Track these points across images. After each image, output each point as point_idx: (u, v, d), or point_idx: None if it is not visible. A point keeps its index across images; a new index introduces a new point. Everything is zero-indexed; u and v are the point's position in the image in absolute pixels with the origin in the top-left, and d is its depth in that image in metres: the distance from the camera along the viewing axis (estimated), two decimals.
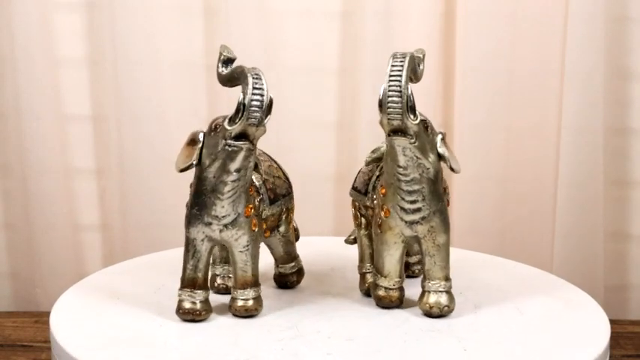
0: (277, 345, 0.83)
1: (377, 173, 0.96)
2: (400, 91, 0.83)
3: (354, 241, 1.03)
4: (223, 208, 0.86)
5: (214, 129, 0.85)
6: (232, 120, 0.83)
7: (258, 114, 0.82)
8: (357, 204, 0.99)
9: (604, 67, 1.56)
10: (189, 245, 0.89)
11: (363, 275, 0.99)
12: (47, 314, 0.93)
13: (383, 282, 0.93)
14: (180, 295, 0.90)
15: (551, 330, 0.89)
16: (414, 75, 0.88)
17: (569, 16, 1.54)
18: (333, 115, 1.65)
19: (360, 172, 0.99)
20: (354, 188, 0.99)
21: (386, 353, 0.82)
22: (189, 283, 0.90)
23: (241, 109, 0.82)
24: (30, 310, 1.71)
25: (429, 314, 0.91)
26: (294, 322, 0.89)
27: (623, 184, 1.65)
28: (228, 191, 0.85)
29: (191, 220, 0.88)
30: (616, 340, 1.53)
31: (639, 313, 1.69)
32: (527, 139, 1.63)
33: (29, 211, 1.66)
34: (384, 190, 0.89)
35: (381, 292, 0.93)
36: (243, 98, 0.82)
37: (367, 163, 0.96)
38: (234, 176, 0.85)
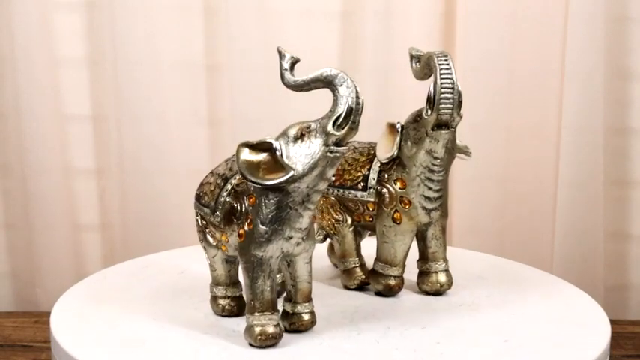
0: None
1: (376, 169, 0.97)
2: (453, 88, 0.90)
3: (325, 239, 1.04)
4: (308, 219, 0.82)
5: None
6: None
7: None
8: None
9: (604, 67, 1.56)
10: (264, 265, 0.82)
11: (350, 270, 1.01)
12: (47, 314, 0.93)
13: (394, 271, 0.97)
14: (257, 320, 0.82)
15: (551, 330, 0.89)
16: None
17: (569, 16, 1.54)
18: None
19: None
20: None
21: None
22: (270, 305, 0.83)
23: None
24: (30, 310, 1.71)
25: (438, 292, 0.99)
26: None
27: (623, 184, 1.65)
28: (318, 200, 0.82)
29: (271, 237, 0.81)
30: (616, 340, 1.53)
31: (639, 313, 1.69)
32: (527, 139, 1.63)
33: (29, 211, 1.66)
34: (403, 184, 0.94)
35: (393, 282, 0.97)
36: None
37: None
38: (326, 184, 0.82)
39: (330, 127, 0.80)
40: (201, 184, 0.92)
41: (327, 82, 0.82)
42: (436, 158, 0.92)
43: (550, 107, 1.61)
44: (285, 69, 0.85)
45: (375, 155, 0.98)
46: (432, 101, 0.90)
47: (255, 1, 1.59)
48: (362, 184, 0.97)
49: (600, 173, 1.60)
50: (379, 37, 1.58)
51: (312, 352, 0.82)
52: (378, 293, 0.99)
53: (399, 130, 0.95)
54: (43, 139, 1.63)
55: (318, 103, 1.64)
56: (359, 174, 0.98)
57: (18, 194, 1.67)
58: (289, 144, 0.81)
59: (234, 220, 0.85)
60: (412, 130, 0.94)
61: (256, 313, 0.82)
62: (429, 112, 0.90)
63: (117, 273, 1.08)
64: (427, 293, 0.99)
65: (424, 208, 0.95)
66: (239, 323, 0.89)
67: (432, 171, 0.93)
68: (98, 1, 1.60)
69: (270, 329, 0.82)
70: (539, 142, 1.63)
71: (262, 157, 0.81)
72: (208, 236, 0.90)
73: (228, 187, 0.86)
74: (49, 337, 0.89)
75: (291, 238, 0.82)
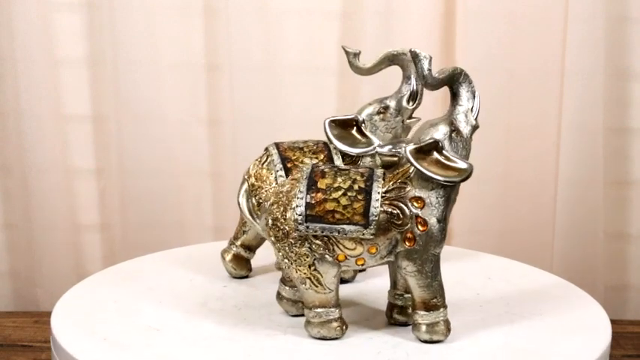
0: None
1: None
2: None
3: None
4: None
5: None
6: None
7: None
8: None
9: (604, 67, 1.57)
10: (439, 262, 0.83)
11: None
12: (47, 314, 0.93)
13: None
14: (445, 314, 0.84)
15: (551, 330, 0.89)
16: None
17: (569, 16, 1.54)
18: (333, 115, 1.64)
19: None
20: None
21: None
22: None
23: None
24: (30, 310, 1.71)
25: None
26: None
27: (623, 184, 1.65)
28: None
29: (445, 233, 0.83)
30: (616, 340, 1.53)
31: (639, 313, 1.69)
32: (527, 139, 1.63)
33: (29, 210, 1.66)
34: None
35: None
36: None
37: None
38: None
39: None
40: (315, 203, 0.82)
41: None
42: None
43: (550, 107, 1.61)
44: (428, 69, 0.84)
45: None
46: (416, 93, 0.98)
47: (255, 1, 1.59)
48: None
49: (600, 173, 1.60)
50: (379, 37, 1.58)
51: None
52: None
53: (362, 122, 0.96)
54: (43, 139, 1.63)
55: (317, 103, 1.65)
56: None
57: (18, 194, 1.67)
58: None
59: (394, 228, 0.82)
60: (381, 122, 0.98)
61: (442, 309, 0.84)
62: (412, 103, 0.98)
63: (117, 273, 1.08)
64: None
65: None
66: (232, 327, 0.89)
67: None
68: (98, 1, 1.60)
69: (450, 322, 0.85)
70: (539, 141, 1.63)
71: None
72: (328, 257, 0.83)
73: (375, 197, 0.82)
74: (49, 337, 0.89)
75: None
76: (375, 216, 0.81)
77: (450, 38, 1.60)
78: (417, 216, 0.81)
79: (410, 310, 0.87)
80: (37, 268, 1.69)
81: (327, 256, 0.82)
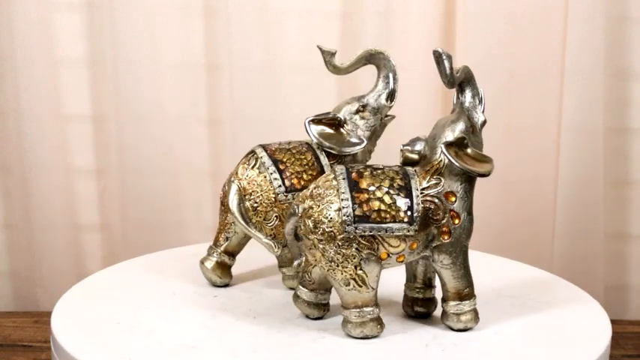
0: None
1: None
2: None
3: None
4: None
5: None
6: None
7: None
8: None
9: (604, 67, 1.56)
10: (468, 253, 0.87)
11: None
12: (47, 314, 0.93)
13: None
14: (474, 304, 0.88)
15: (551, 330, 0.89)
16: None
17: (569, 16, 1.54)
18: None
19: None
20: None
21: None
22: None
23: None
24: (30, 310, 1.71)
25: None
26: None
27: (623, 184, 1.65)
28: None
29: (473, 224, 0.87)
30: (616, 340, 1.53)
31: (639, 313, 1.69)
32: (527, 139, 1.63)
33: (29, 210, 1.66)
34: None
35: None
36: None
37: None
38: None
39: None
40: (360, 203, 0.83)
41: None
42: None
43: (550, 107, 1.61)
44: (450, 68, 0.87)
45: None
46: (393, 93, 1.02)
47: (255, 1, 1.59)
48: None
49: (600, 173, 1.60)
50: (379, 37, 1.58)
51: None
52: None
53: (345, 121, 1.00)
54: (43, 139, 1.63)
55: (317, 103, 1.65)
56: None
57: (18, 194, 1.67)
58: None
59: (432, 223, 0.85)
60: (360, 120, 1.00)
61: (473, 298, 0.88)
62: (389, 101, 1.02)
63: (117, 273, 1.08)
64: None
65: None
66: (234, 322, 0.89)
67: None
68: (98, 1, 1.60)
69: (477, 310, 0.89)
70: (539, 142, 1.63)
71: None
72: (372, 256, 0.83)
73: (416, 193, 0.84)
74: (49, 337, 0.89)
75: None
76: (418, 212, 0.84)
77: (450, 38, 1.60)
78: (452, 210, 0.85)
79: (435, 301, 0.91)
80: (37, 268, 1.69)
81: (371, 255, 0.83)
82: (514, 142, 1.63)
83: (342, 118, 0.99)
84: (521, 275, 1.09)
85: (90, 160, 1.69)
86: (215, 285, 1.00)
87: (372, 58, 1.02)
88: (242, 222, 0.93)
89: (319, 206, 0.83)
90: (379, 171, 0.85)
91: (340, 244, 0.82)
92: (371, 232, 0.83)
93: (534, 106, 1.61)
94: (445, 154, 0.84)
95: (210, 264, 0.99)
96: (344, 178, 0.84)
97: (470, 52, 1.58)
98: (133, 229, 1.67)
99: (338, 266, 0.83)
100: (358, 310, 0.84)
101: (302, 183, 0.96)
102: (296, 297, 0.90)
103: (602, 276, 1.64)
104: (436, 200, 0.84)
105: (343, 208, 0.82)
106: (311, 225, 0.83)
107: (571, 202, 1.61)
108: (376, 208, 0.83)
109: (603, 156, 1.60)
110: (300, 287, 0.89)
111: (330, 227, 0.83)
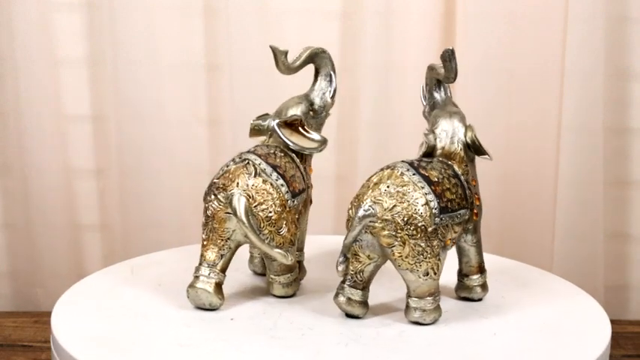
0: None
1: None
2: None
3: None
4: None
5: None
6: None
7: None
8: None
9: (604, 67, 1.56)
10: None
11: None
12: (47, 314, 0.93)
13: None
14: (486, 276, 0.97)
15: (551, 330, 0.89)
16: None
17: (569, 16, 1.54)
18: (333, 115, 1.64)
19: None
20: None
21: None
22: None
23: None
24: (30, 310, 1.71)
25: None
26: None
27: (623, 184, 1.65)
28: None
29: None
30: (616, 340, 1.53)
31: (639, 313, 1.69)
32: (527, 139, 1.63)
33: (29, 210, 1.66)
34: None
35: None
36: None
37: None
38: None
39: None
40: (437, 194, 0.86)
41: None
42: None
43: (550, 107, 1.61)
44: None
45: None
46: (335, 90, 1.05)
47: (255, 1, 1.59)
48: None
49: (600, 173, 1.60)
50: (379, 37, 1.58)
51: None
52: None
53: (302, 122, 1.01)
54: (43, 139, 1.63)
55: None
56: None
57: (18, 194, 1.67)
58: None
59: (469, 206, 0.91)
60: (312, 119, 1.03)
61: (485, 270, 0.97)
62: (332, 99, 1.05)
63: (117, 273, 1.08)
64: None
65: None
66: (235, 317, 0.89)
67: None
68: (98, 1, 1.60)
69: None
70: (539, 142, 1.63)
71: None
72: (443, 244, 0.87)
73: (464, 179, 0.92)
74: (49, 337, 0.89)
75: None
76: (470, 198, 0.91)
77: (450, 38, 1.60)
78: (476, 192, 0.93)
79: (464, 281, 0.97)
80: (37, 268, 1.69)
81: (443, 243, 0.88)
82: (514, 142, 1.63)
83: (303, 118, 1.00)
84: (521, 275, 1.09)
85: (90, 160, 1.69)
86: (214, 308, 0.92)
87: (317, 57, 1.04)
88: (256, 238, 0.89)
89: (403, 203, 0.85)
90: (429, 162, 0.90)
91: (430, 236, 0.86)
92: (452, 220, 0.88)
93: (534, 106, 1.61)
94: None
95: (210, 287, 0.91)
96: (414, 174, 0.87)
97: (470, 52, 1.58)
98: (133, 229, 1.67)
99: (425, 258, 0.86)
100: (432, 297, 0.88)
101: (299, 187, 0.94)
102: (348, 300, 0.89)
103: (602, 276, 1.64)
104: (471, 185, 0.92)
105: (430, 201, 0.86)
106: (401, 222, 0.85)
107: (571, 202, 1.61)
108: (451, 198, 0.88)
109: (603, 156, 1.60)
110: (349, 289, 0.89)
111: (422, 221, 0.85)
